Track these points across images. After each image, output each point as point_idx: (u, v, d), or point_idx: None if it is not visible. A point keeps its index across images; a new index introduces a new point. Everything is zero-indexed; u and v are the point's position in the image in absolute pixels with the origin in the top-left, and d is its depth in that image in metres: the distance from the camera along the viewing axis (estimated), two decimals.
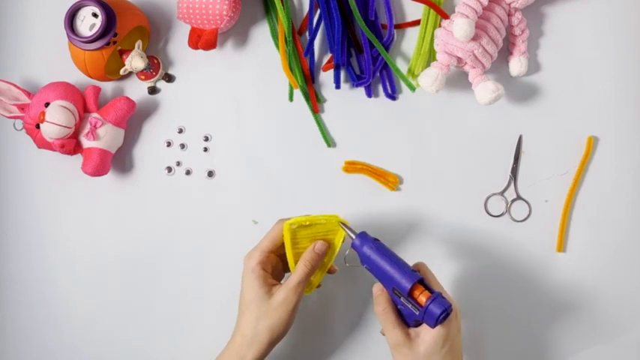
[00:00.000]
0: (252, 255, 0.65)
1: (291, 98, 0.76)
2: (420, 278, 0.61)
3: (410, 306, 0.61)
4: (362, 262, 0.64)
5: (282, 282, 0.66)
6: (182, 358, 0.76)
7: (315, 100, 0.76)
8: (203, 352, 0.71)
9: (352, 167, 0.75)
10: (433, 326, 0.60)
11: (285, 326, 0.64)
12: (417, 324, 0.62)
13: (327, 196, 0.76)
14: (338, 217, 0.66)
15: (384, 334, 0.64)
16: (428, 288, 0.61)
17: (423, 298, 0.60)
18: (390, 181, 0.74)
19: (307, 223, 0.65)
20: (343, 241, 0.67)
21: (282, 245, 0.65)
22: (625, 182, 0.74)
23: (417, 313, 0.60)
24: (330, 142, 0.76)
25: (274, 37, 0.77)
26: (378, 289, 0.63)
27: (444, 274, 0.74)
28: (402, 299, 0.61)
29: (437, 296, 0.60)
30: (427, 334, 0.60)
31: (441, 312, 0.59)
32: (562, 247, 0.73)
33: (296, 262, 0.65)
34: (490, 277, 0.74)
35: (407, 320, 0.63)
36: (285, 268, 0.68)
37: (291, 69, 0.75)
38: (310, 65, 0.76)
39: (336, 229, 0.66)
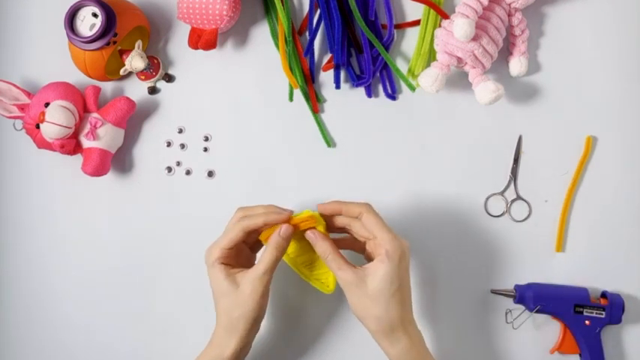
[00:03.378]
0: (211, 252, 0.65)
1: (291, 98, 0.76)
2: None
3: (595, 312, 0.69)
4: (530, 308, 0.70)
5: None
6: (182, 358, 0.75)
7: (315, 100, 0.76)
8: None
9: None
10: (620, 319, 0.69)
11: (259, 312, 0.64)
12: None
13: (327, 196, 0.75)
14: (309, 212, 0.65)
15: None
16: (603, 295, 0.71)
17: (600, 300, 0.70)
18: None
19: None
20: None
21: (243, 238, 0.64)
22: (624, 182, 0.74)
23: (604, 314, 0.69)
24: (330, 142, 0.76)
25: (274, 37, 0.77)
26: (315, 236, 0.64)
27: (444, 273, 0.75)
28: (585, 312, 0.69)
29: (606, 292, 0.71)
30: (376, 272, 0.61)
31: (622, 301, 0.70)
32: (561, 247, 0.74)
33: (303, 271, 0.69)
34: (489, 276, 0.74)
35: (592, 329, 0.70)
36: (254, 249, 0.68)
37: (291, 69, 0.74)
38: (310, 65, 0.76)
39: (317, 225, 0.65)
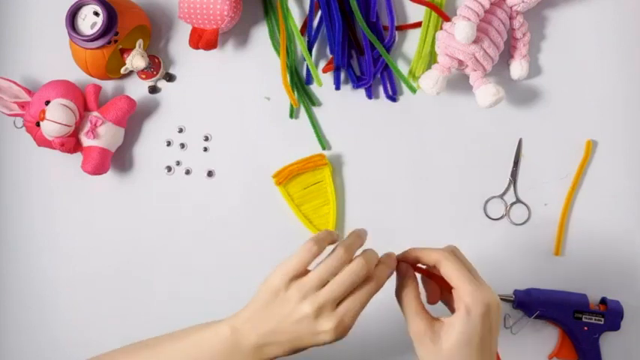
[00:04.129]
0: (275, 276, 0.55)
1: (292, 115, 0.76)
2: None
3: (594, 318, 0.69)
4: (529, 313, 0.70)
5: None
6: None
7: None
8: None
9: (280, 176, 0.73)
10: (619, 325, 0.69)
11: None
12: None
13: None
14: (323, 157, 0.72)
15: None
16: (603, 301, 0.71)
17: (600, 306, 0.70)
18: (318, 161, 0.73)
19: (293, 173, 0.72)
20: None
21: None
22: (625, 187, 0.74)
23: (603, 321, 0.69)
24: (324, 144, 0.76)
25: (273, 39, 0.77)
26: (404, 267, 0.56)
27: None
28: (584, 318, 0.69)
29: (605, 298, 0.70)
30: (452, 328, 0.52)
31: (622, 307, 0.69)
32: (560, 251, 0.73)
33: (304, 218, 0.72)
34: (488, 279, 0.74)
35: (591, 335, 0.69)
36: None
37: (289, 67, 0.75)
38: (308, 67, 0.76)
39: (321, 167, 0.71)
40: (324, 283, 0.53)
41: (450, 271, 0.54)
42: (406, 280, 0.56)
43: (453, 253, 0.56)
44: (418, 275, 0.58)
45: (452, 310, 0.57)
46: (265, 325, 0.54)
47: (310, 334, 0.53)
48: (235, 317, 0.56)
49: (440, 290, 0.58)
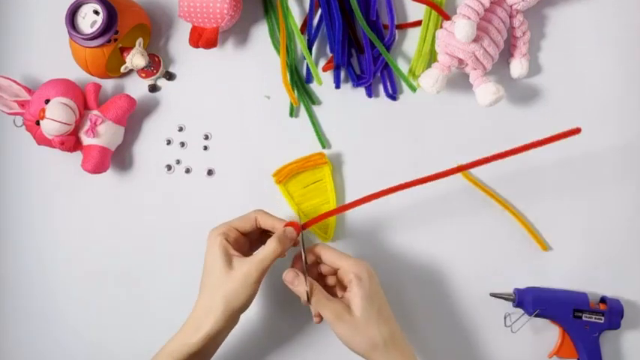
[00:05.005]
0: (217, 227, 0.66)
1: (292, 114, 0.76)
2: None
3: (594, 317, 0.69)
4: (529, 312, 0.70)
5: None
6: None
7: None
8: None
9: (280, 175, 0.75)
10: (619, 324, 0.69)
11: (244, 299, 0.62)
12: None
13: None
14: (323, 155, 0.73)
15: (316, 318, 0.67)
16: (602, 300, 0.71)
17: (600, 305, 0.70)
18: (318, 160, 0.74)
19: (293, 172, 0.73)
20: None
21: (251, 229, 0.66)
22: (624, 185, 0.74)
23: (603, 319, 0.69)
24: (324, 143, 0.76)
25: (273, 37, 0.77)
26: (291, 274, 0.64)
27: (443, 275, 0.74)
28: (584, 316, 0.69)
29: (605, 297, 0.71)
30: (355, 296, 0.62)
31: (622, 306, 0.70)
32: (545, 246, 0.74)
33: (304, 217, 0.73)
34: (489, 280, 0.74)
35: (591, 334, 0.69)
36: (252, 249, 0.68)
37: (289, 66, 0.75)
38: (308, 66, 0.76)
39: (321, 166, 0.72)
40: None
41: (330, 257, 0.65)
42: (300, 279, 0.63)
43: (323, 243, 0.68)
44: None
45: (342, 291, 0.66)
46: None
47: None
48: None
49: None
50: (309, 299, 0.62)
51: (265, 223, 0.66)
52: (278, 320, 0.75)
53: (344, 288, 0.66)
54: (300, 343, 0.74)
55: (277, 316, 0.75)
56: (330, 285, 0.67)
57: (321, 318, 0.66)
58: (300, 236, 0.65)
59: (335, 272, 0.67)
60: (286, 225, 0.65)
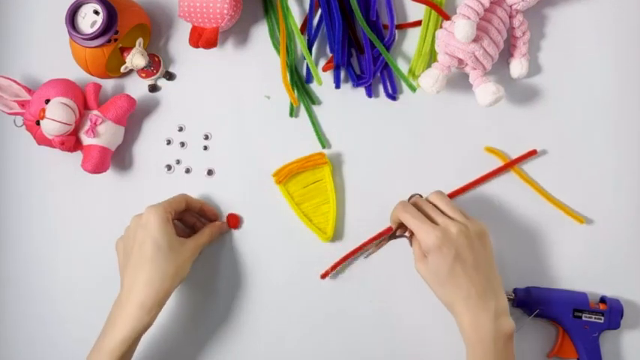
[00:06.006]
0: (157, 205, 0.69)
1: (292, 114, 0.76)
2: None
3: (594, 317, 0.69)
4: (529, 311, 0.70)
5: None
6: (175, 353, 0.75)
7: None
8: (202, 347, 0.71)
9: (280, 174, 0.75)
10: (619, 324, 0.69)
11: (186, 274, 0.68)
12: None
13: None
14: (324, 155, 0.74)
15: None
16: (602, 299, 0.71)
17: (600, 305, 0.70)
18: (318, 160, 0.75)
19: (293, 172, 0.73)
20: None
21: (181, 211, 0.72)
22: (625, 185, 0.74)
23: (602, 319, 0.69)
24: (324, 143, 0.76)
25: (273, 37, 0.77)
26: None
27: None
28: (583, 316, 0.69)
29: (605, 297, 0.71)
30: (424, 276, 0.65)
31: (622, 306, 0.69)
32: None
33: (304, 217, 0.74)
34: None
35: (591, 334, 0.69)
36: (179, 233, 0.70)
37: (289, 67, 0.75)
38: (308, 66, 0.76)
39: (321, 166, 0.73)
40: None
41: (407, 222, 0.65)
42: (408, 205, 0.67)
43: (405, 204, 0.67)
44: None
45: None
46: None
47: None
48: None
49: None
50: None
51: (194, 205, 0.73)
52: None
53: None
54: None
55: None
56: None
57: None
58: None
59: None
60: (228, 217, 0.75)
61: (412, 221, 0.65)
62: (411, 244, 0.68)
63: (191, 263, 0.69)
